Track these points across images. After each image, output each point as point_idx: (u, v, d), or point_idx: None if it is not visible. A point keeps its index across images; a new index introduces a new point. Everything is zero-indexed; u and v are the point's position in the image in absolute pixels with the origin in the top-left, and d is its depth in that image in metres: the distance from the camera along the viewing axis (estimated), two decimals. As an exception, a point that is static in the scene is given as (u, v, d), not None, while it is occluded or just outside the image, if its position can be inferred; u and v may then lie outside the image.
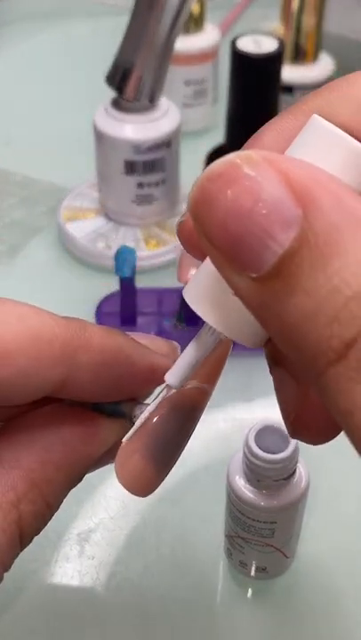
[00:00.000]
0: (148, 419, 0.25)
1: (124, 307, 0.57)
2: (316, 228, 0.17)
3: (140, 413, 0.25)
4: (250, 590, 0.45)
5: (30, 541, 0.24)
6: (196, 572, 0.45)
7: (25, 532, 0.23)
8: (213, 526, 0.46)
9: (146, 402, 0.26)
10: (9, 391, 0.23)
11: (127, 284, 0.56)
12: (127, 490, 0.24)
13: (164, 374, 0.25)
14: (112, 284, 0.58)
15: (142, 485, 0.25)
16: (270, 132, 0.22)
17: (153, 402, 0.25)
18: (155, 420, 0.24)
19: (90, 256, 0.64)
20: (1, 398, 0.23)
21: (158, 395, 0.25)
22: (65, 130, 0.79)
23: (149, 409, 0.25)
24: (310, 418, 0.23)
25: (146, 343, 0.26)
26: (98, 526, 0.47)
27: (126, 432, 0.25)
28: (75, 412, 0.25)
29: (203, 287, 0.21)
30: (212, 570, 0.45)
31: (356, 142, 0.20)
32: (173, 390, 0.25)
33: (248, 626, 0.43)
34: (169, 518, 0.47)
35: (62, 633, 0.43)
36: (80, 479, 0.25)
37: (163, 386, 0.25)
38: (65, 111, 0.83)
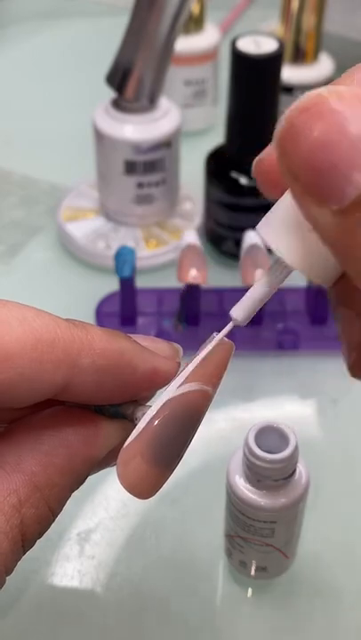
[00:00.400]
0: (150, 421, 0.24)
1: (124, 307, 0.57)
2: None
3: (142, 415, 0.25)
4: (250, 590, 0.45)
5: (33, 545, 0.24)
6: (196, 572, 0.45)
7: (27, 536, 0.23)
8: (213, 526, 0.46)
9: (148, 404, 0.26)
10: (11, 393, 0.23)
11: (127, 284, 0.56)
12: (129, 492, 0.24)
13: (167, 377, 0.25)
14: (112, 284, 0.58)
15: (144, 487, 0.24)
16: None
17: (155, 404, 0.25)
18: (157, 422, 0.24)
19: (90, 256, 0.64)
20: (3, 401, 0.23)
21: (162, 395, 0.25)
22: (65, 130, 0.79)
23: (151, 411, 0.25)
24: None
25: (148, 345, 0.26)
26: (98, 526, 0.47)
27: (128, 434, 0.25)
28: (76, 415, 0.25)
29: (278, 222, 0.21)
30: (212, 570, 0.45)
31: None
32: (181, 389, 0.24)
33: (248, 626, 0.43)
34: (169, 518, 0.47)
35: (62, 633, 0.43)
36: (82, 482, 0.25)
37: (228, 325, 0.24)
38: (65, 111, 0.83)
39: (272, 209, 0.22)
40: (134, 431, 0.25)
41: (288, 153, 0.18)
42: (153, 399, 0.26)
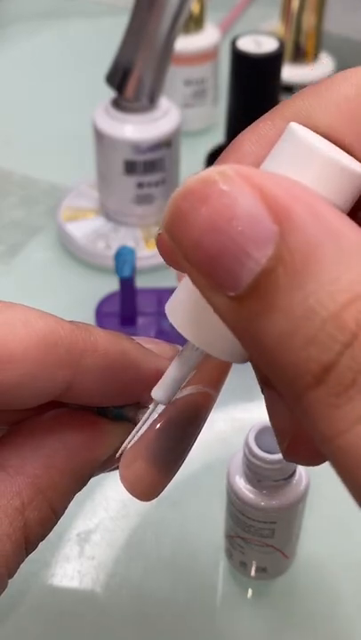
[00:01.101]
0: (153, 423, 0.24)
1: (124, 307, 0.57)
2: (291, 245, 0.16)
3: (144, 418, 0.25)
4: (250, 590, 0.45)
5: (35, 547, 0.24)
6: (196, 573, 0.45)
7: (30, 539, 0.23)
8: (213, 526, 0.45)
9: (150, 405, 0.26)
10: (15, 394, 0.23)
11: (127, 284, 0.56)
12: (131, 494, 0.24)
13: None
14: (112, 284, 0.58)
15: (146, 490, 0.24)
16: (249, 139, 0.21)
17: (158, 406, 0.25)
18: (159, 424, 0.24)
19: (90, 256, 0.64)
20: (7, 402, 0.23)
21: (143, 421, 0.25)
22: (65, 130, 0.79)
23: (154, 413, 0.25)
24: (304, 440, 0.22)
25: (151, 347, 0.26)
26: (98, 527, 0.47)
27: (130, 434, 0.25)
28: (79, 417, 0.25)
29: (184, 304, 0.21)
30: (213, 570, 0.45)
31: (333, 153, 0.19)
32: (161, 407, 0.25)
33: (248, 626, 0.43)
34: (169, 519, 0.47)
35: (62, 633, 0.43)
36: (85, 484, 0.25)
37: (152, 404, 0.25)
38: (65, 111, 0.83)
39: (177, 290, 0.21)
40: (134, 432, 0.25)
41: (177, 239, 0.17)
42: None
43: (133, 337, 0.26)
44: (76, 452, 0.24)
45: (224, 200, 0.17)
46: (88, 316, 0.59)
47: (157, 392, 0.23)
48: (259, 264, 0.16)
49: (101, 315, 0.58)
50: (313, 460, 0.23)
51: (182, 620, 0.43)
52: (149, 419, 0.25)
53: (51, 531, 0.24)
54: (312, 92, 0.21)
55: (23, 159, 0.77)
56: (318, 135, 0.20)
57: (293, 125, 0.20)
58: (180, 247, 0.17)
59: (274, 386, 0.22)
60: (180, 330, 0.21)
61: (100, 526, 0.47)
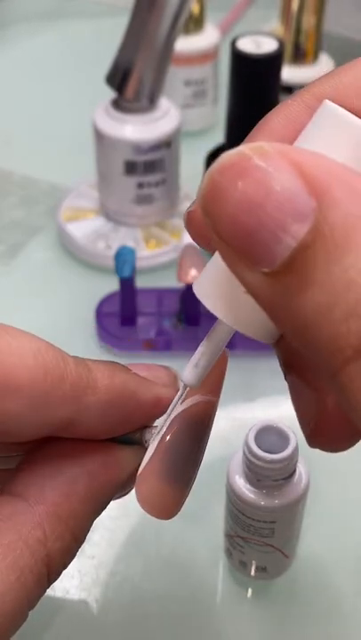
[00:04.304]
0: (161, 440, 0.24)
1: (124, 307, 0.57)
2: (330, 219, 0.16)
3: (152, 437, 0.25)
4: (250, 590, 0.45)
5: (58, 577, 0.23)
6: (195, 572, 0.45)
7: (53, 569, 0.23)
8: (213, 526, 0.46)
9: (155, 424, 0.26)
10: (18, 424, 0.23)
11: (127, 284, 0.56)
12: (150, 514, 0.24)
13: (168, 404, 0.25)
14: (112, 284, 0.58)
15: (164, 507, 0.24)
16: (278, 118, 0.21)
17: (162, 423, 0.25)
18: (167, 439, 0.24)
19: (90, 256, 0.64)
20: (8, 432, 0.23)
21: (172, 408, 0.25)
22: (65, 130, 0.79)
23: (160, 431, 0.25)
24: (329, 426, 0.22)
25: (146, 375, 0.26)
26: (98, 526, 0.47)
27: (142, 456, 0.25)
28: (93, 442, 0.25)
29: (213, 282, 0.21)
30: (212, 570, 0.45)
31: None
32: (185, 404, 0.24)
33: (248, 626, 0.43)
34: (169, 518, 0.47)
35: (62, 633, 0.43)
36: (104, 509, 0.25)
37: (180, 389, 0.25)
38: (65, 111, 0.83)
39: (206, 267, 0.21)
40: (147, 453, 0.24)
41: (212, 215, 0.17)
42: (159, 420, 0.26)
43: (128, 365, 0.26)
44: (94, 478, 0.24)
45: (262, 175, 0.17)
46: (88, 316, 0.59)
47: (187, 375, 0.23)
48: (296, 239, 0.16)
49: (101, 315, 0.58)
50: (338, 444, 0.22)
51: (182, 620, 0.43)
52: (177, 407, 0.24)
53: (73, 559, 0.24)
54: (339, 72, 0.21)
55: (23, 159, 0.77)
56: (351, 113, 0.20)
57: (328, 103, 0.20)
58: (215, 223, 0.17)
59: (304, 369, 0.22)
60: (209, 307, 0.21)
61: (100, 525, 0.47)
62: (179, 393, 0.25)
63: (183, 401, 0.25)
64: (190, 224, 0.22)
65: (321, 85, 0.21)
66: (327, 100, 0.20)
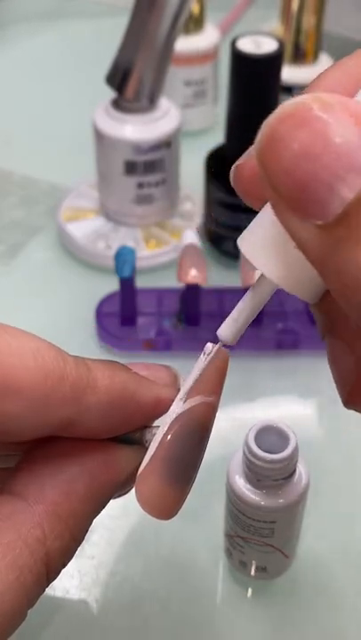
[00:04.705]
0: (162, 440, 0.24)
1: (124, 307, 0.57)
2: None
3: (152, 437, 0.25)
4: (250, 590, 0.45)
5: (57, 577, 0.23)
6: (195, 572, 0.45)
7: (52, 568, 0.23)
8: (213, 526, 0.46)
9: (155, 424, 0.26)
10: (17, 425, 0.22)
11: (127, 284, 0.56)
12: (150, 514, 0.24)
13: (169, 404, 0.25)
14: (112, 284, 0.58)
15: (164, 507, 0.24)
16: (335, 72, 0.21)
17: (163, 424, 0.25)
18: (167, 440, 0.24)
19: (90, 256, 0.64)
20: (8, 432, 0.23)
21: (167, 413, 0.25)
22: (65, 130, 0.79)
23: (161, 431, 0.25)
24: None
25: (147, 374, 0.26)
26: (98, 526, 0.47)
27: (142, 456, 0.25)
28: (93, 442, 0.25)
29: (260, 237, 0.20)
30: (212, 570, 0.45)
31: None
32: (187, 404, 0.24)
33: (248, 626, 0.43)
34: (169, 518, 0.47)
35: (62, 633, 0.43)
36: (103, 508, 0.25)
37: (217, 346, 0.24)
38: (65, 111, 0.83)
39: (253, 221, 0.21)
40: (147, 453, 0.24)
41: (268, 163, 0.17)
42: (159, 420, 0.26)
43: (129, 365, 0.26)
44: (94, 477, 0.24)
45: (322, 126, 0.16)
46: (88, 316, 0.59)
47: (225, 331, 0.23)
48: (352, 192, 0.16)
49: (101, 315, 0.58)
50: None
51: (182, 620, 0.43)
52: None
53: (72, 558, 0.24)
54: None
55: (23, 159, 0.77)
56: None
57: None
58: (270, 173, 0.17)
59: (345, 332, 0.21)
60: (254, 263, 0.20)
61: (100, 525, 0.47)
62: (213, 353, 0.24)
63: (207, 367, 0.24)
64: (238, 178, 0.21)
65: None
66: None
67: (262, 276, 0.21)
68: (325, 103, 0.17)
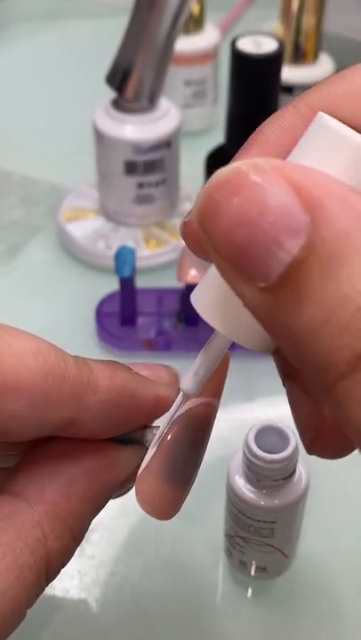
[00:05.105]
0: (162, 440, 0.24)
1: (124, 307, 0.57)
2: (324, 234, 0.16)
3: (152, 437, 0.25)
4: (250, 590, 0.45)
5: (57, 576, 0.23)
6: (195, 572, 0.45)
7: (51, 568, 0.23)
8: (213, 526, 0.46)
9: (155, 424, 0.26)
10: (17, 425, 0.23)
11: (127, 284, 0.56)
12: (149, 513, 0.24)
13: (169, 404, 0.25)
14: (112, 284, 0.58)
15: (163, 507, 0.24)
16: (273, 128, 0.21)
17: (163, 424, 0.25)
18: (167, 440, 0.24)
19: (90, 256, 0.64)
20: (5, 432, 0.23)
21: (167, 414, 0.25)
22: (65, 130, 0.79)
23: (161, 431, 0.25)
24: (327, 434, 0.22)
25: (147, 374, 0.26)
26: (97, 526, 0.47)
27: (143, 456, 0.25)
28: (92, 441, 0.25)
29: (210, 293, 0.21)
30: (212, 569, 0.45)
31: None
32: (186, 406, 0.24)
33: (248, 626, 0.43)
34: (169, 518, 0.47)
35: (62, 633, 0.43)
36: (102, 508, 0.25)
37: (179, 396, 0.25)
38: (65, 111, 0.83)
39: (203, 278, 0.21)
40: (147, 453, 0.24)
41: (208, 230, 0.17)
42: (159, 419, 0.26)
43: (129, 364, 0.26)
44: (94, 477, 0.24)
45: (256, 191, 0.17)
46: (88, 316, 0.59)
47: (186, 384, 0.23)
48: (290, 254, 0.16)
49: (101, 315, 0.58)
50: (337, 452, 0.22)
51: (182, 619, 0.43)
52: (177, 413, 0.25)
53: (71, 558, 0.24)
54: (333, 82, 0.21)
55: (23, 159, 0.77)
56: (345, 125, 0.20)
57: (323, 115, 0.20)
58: (210, 238, 0.17)
59: (302, 376, 0.22)
60: (206, 319, 0.21)
61: (100, 525, 0.47)
62: (177, 400, 0.25)
63: (182, 405, 0.25)
64: (187, 234, 0.22)
65: (315, 95, 0.21)
66: (321, 113, 0.20)
67: (216, 331, 0.22)
68: (259, 168, 0.17)
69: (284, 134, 0.21)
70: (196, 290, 0.22)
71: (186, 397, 0.25)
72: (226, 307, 0.21)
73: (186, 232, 0.22)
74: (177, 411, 0.25)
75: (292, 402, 0.23)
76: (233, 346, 0.24)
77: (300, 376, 0.22)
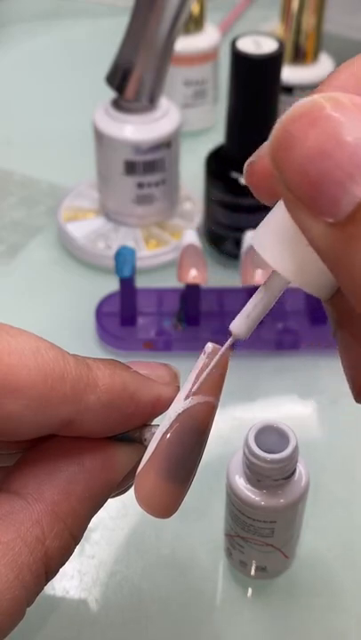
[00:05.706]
0: (161, 439, 0.24)
1: (124, 307, 0.57)
2: None
3: (151, 436, 0.25)
4: (250, 590, 0.45)
5: (55, 575, 0.23)
6: (195, 572, 0.45)
7: (51, 567, 0.23)
8: (213, 526, 0.46)
9: (154, 423, 0.26)
10: (16, 424, 0.23)
11: (127, 284, 0.56)
12: (148, 512, 0.24)
13: (169, 403, 0.25)
14: (112, 284, 0.59)
15: (162, 506, 0.24)
16: (346, 73, 0.21)
17: (162, 423, 0.25)
18: (166, 439, 0.24)
19: (90, 256, 0.64)
20: (7, 431, 0.23)
21: (167, 413, 0.25)
22: (65, 130, 0.79)
23: (160, 430, 0.25)
24: None
25: (146, 373, 0.26)
26: (98, 526, 0.47)
27: (141, 455, 0.25)
28: (91, 440, 0.25)
29: (272, 233, 0.20)
30: (212, 569, 0.45)
31: None
32: (185, 405, 0.24)
33: (248, 626, 0.43)
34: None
35: (62, 632, 0.43)
36: (101, 507, 0.25)
37: (228, 342, 0.24)
38: (65, 111, 0.83)
39: (266, 217, 0.21)
40: (147, 452, 0.24)
41: (282, 161, 0.17)
42: (159, 418, 0.26)
43: (129, 363, 0.26)
44: (93, 476, 0.24)
45: (335, 125, 0.17)
46: (88, 316, 0.59)
47: (237, 327, 0.23)
48: None
49: (101, 315, 0.58)
50: None
51: (182, 619, 0.43)
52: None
53: (70, 557, 0.24)
54: None
55: (23, 159, 0.77)
56: None
57: None
58: (283, 171, 0.17)
59: (356, 326, 0.22)
60: (267, 259, 0.21)
61: (100, 525, 0.47)
62: (224, 348, 0.24)
63: (215, 367, 0.24)
64: (251, 175, 0.21)
65: None
66: None
67: (274, 272, 0.22)
68: (338, 102, 0.17)
69: (357, 81, 0.21)
70: (257, 230, 0.21)
71: (234, 339, 0.24)
72: (288, 247, 0.20)
73: (250, 172, 0.21)
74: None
75: (342, 350, 0.23)
76: (233, 346, 0.24)
77: (354, 324, 0.22)
